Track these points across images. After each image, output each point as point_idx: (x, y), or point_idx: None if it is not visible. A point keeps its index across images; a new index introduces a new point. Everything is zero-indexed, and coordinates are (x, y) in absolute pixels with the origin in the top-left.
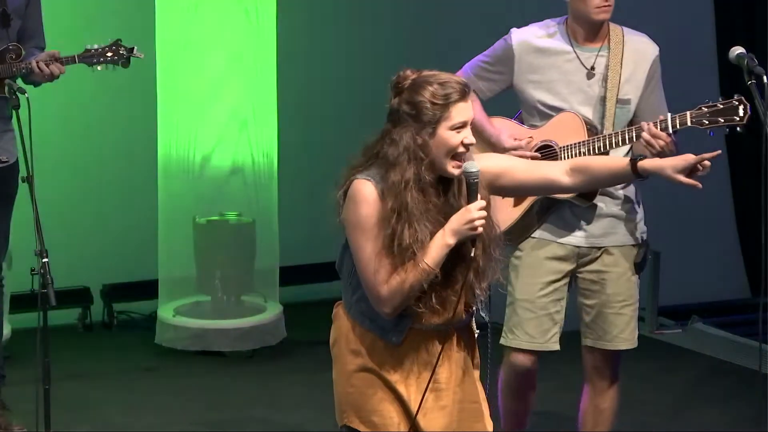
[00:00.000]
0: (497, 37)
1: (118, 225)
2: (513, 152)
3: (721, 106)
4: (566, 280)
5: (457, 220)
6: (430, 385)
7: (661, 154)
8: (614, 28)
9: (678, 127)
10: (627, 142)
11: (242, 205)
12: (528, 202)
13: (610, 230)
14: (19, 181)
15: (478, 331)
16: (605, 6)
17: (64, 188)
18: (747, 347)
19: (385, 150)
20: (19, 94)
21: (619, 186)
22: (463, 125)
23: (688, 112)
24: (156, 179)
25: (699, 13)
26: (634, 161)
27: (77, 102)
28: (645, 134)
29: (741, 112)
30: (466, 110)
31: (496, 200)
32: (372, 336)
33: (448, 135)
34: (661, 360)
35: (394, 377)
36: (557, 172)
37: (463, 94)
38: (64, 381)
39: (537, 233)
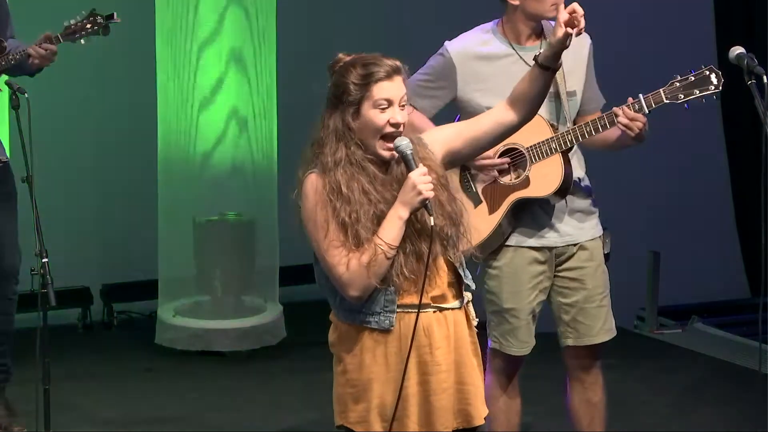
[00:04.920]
0: None
1: (118, 225)
2: (483, 162)
3: (694, 78)
4: (547, 281)
5: (402, 191)
6: (433, 369)
7: (638, 136)
8: (545, 25)
9: (653, 106)
10: (599, 130)
11: (242, 205)
12: (505, 206)
13: (580, 225)
14: (19, 180)
15: (477, 319)
16: (559, 4)
17: (64, 188)
18: (747, 347)
19: (318, 133)
20: (19, 94)
21: (581, 178)
22: (387, 103)
23: (661, 90)
24: (156, 179)
25: (699, 13)
26: (535, 60)
27: (77, 102)
28: (622, 119)
29: (715, 80)
30: (390, 89)
31: (470, 209)
32: (365, 331)
33: (372, 114)
34: (661, 360)
35: (394, 367)
36: (501, 112)
37: (389, 74)
38: (64, 381)
39: (513, 239)
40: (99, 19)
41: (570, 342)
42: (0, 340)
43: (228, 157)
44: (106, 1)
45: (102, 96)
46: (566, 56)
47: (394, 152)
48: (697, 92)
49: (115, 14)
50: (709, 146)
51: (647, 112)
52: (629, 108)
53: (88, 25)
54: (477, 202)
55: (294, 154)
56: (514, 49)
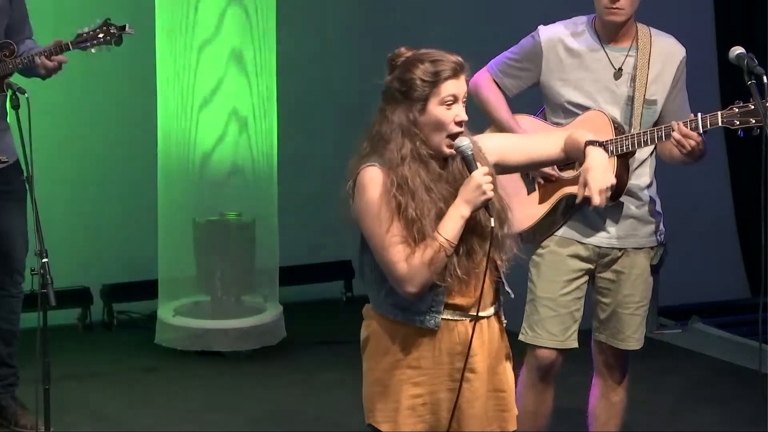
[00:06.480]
0: (497, 40)
1: (118, 225)
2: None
3: (753, 107)
4: (586, 278)
5: (465, 190)
6: (467, 376)
7: (691, 153)
8: (642, 29)
9: (709, 127)
10: (655, 141)
11: (242, 205)
12: (555, 198)
13: (631, 232)
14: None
15: (506, 321)
16: (613, 9)
17: (64, 188)
18: (747, 347)
19: (380, 128)
20: (18, 94)
21: (643, 186)
22: (453, 99)
23: (719, 113)
24: (156, 179)
25: (699, 13)
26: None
27: (77, 102)
28: (675, 134)
29: None
30: (456, 86)
31: (521, 197)
32: (405, 329)
33: (438, 111)
34: (661, 360)
35: (426, 372)
36: (554, 148)
37: (455, 72)
38: (64, 381)
39: (561, 231)
40: (112, 29)
41: (602, 338)
42: (9, 341)
43: (228, 157)
44: (106, 2)
45: (102, 96)
46: (654, 63)
47: (454, 150)
48: (753, 121)
49: (127, 25)
50: (709, 146)
51: (701, 131)
52: (686, 125)
53: (101, 35)
54: (531, 190)
55: (294, 154)
56: (602, 46)
